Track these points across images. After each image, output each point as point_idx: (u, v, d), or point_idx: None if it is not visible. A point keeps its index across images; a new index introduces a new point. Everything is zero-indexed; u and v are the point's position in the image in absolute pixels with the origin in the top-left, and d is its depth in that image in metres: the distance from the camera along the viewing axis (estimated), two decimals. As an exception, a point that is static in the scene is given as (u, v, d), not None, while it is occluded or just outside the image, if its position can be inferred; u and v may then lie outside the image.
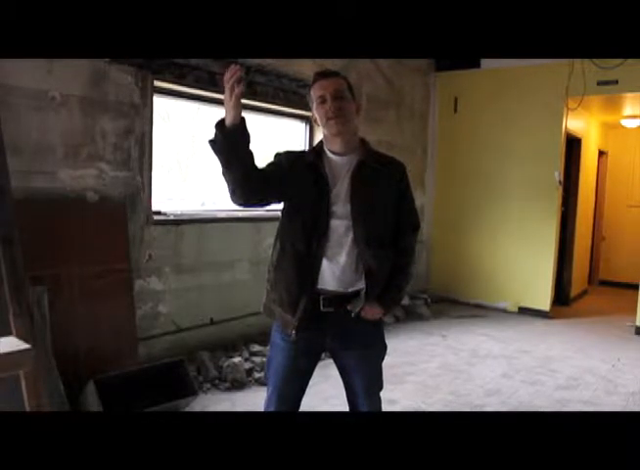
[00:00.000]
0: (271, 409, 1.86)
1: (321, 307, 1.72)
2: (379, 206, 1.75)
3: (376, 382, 1.88)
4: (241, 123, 1.60)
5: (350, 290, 1.73)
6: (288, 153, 1.83)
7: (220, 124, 1.60)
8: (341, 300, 1.73)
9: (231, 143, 1.60)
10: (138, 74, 3.23)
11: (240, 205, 1.74)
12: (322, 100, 1.71)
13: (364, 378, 1.84)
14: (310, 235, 1.70)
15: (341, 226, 1.71)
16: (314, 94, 1.74)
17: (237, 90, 1.54)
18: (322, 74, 1.75)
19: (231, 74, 1.53)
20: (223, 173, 1.67)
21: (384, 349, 1.90)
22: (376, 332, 1.86)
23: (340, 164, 1.76)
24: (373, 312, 1.77)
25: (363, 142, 1.83)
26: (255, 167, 1.67)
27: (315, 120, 1.79)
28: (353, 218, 1.71)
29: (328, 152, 1.78)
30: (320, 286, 1.72)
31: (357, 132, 1.81)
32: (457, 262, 5.99)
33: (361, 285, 1.74)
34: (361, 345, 1.80)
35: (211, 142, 1.64)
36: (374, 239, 1.72)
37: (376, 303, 1.77)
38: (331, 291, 1.73)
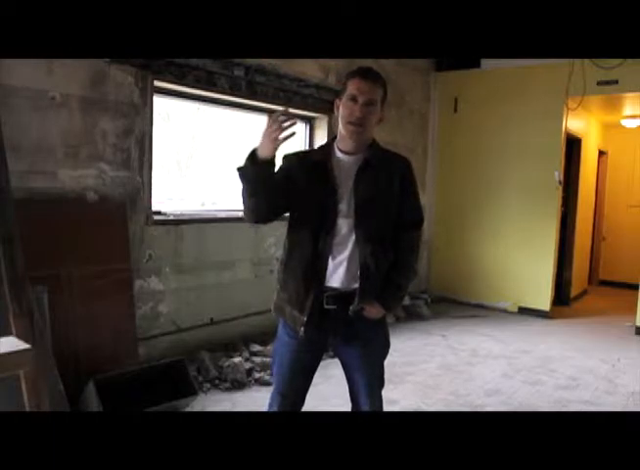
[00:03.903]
0: (275, 404, 1.89)
1: (324, 305, 1.74)
2: (381, 204, 1.76)
3: (378, 379, 1.89)
4: (274, 158, 1.64)
5: (352, 287, 1.74)
6: (295, 154, 1.87)
7: (253, 155, 1.63)
8: (343, 297, 1.74)
9: (262, 175, 1.64)
10: (138, 74, 3.23)
11: (254, 223, 1.85)
12: (353, 99, 1.70)
13: (366, 375, 1.85)
14: (318, 234, 1.72)
15: (345, 225, 1.73)
16: (348, 89, 1.71)
17: (287, 133, 1.58)
18: (364, 74, 1.72)
19: (287, 119, 1.57)
20: (245, 198, 1.71)
21: (387, 346, 1.91)
22: (379, 330, 1.87)
23: (347, 163, 1.77)
24: (374, 311, 1.78)
25: (372, 141, 1.82)
26: (277, 194, 1.71)
27: (337, 108, 1.77)
28: (355, 217, 1.72)
29: (337, 151, 1.79)
30: (326, 284, 1.74)
31: (371, 137, 1.81)
32: (457, 262, 5.99)
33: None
34: (364, 342, 1.81)
35: (240, 170, 1.67)
36: (375, 237, 1.73)
37: (377, 301, 1.77)
38: (334, 288, 1.75)
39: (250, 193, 1.68)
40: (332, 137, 1.86)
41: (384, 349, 1.90)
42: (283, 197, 1.74)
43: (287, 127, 1.57)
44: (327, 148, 1.82)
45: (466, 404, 3.25)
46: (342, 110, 1.74)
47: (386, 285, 1.79)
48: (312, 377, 1.90)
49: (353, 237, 1.72)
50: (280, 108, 4.26)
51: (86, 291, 2.86)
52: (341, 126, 1.76)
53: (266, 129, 1.59)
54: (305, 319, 1.73)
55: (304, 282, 1.74)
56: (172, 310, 3.52)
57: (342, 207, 1.73)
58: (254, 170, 1.63)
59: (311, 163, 1.77)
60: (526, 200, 5.52)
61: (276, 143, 1.58)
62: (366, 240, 1.72)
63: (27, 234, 1.80)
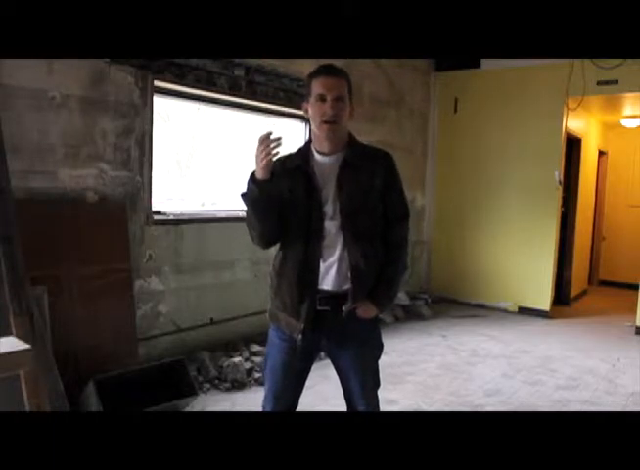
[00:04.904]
0: (268, 407, 1.87)
1: (317, 307, 1.73)
2: (365, 202, 1.75)
3: (371, 380, 1.88)
4: (272, 178, 1.64)
5: (344, 288, 1.74)
6: (277, 161, 1.76)
7: (253, 178, 1.64)
8: (335, 299, 1.74)
9: (265, 195, 1.65)
10: (138, 74, 3.23)
11: (266, 247, 1.85)
12: (321, 99, 1.68)
13: (360, 376, 1.84)
14: (307, 239, 1.72)
15: (333, 227, 1.72)
16: (314, 89, 1.70)
17: (268, 158, 1.58)
18: (327, 71, 1.70)
19: (271, 142, 1.56)
20: (253, 225, 1.73)
21: (380, 347, 1.90)
22: (371, 330, 1.86)
23: (327, 164, 1.76)
24: (367, 311, 1.77)
25: (350, 138, 1.81)
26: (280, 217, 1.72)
27: (306, 111, 1.76)
28: (341, 218, 1.71)
29: (315, 152, 1.77)
30: (318, 287, 1.74)
31: (347, 133, 1.79)
32: (457, 262, 5.99)
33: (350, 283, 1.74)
34: (356, 343, 1.81)
35: (244, 195, 1.68)
36: (363, 236, 1.73)
37: (369, 301, 1.77)
38: (326, 290, 1.74)
39: (258, 218, 1.69)
40: (308, 139, 1.83)
41: (377, 349, 1.89)
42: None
43: (273, 148, 1.57)
44: (305, 151, 1.80)
45: (466, 404, 3.25)
46: (312, 111, 1.72)
47: (377, 283, 1.78)
48: (306, 379, 1.89)
49: (341, 238, 1.72)
50: (280, 108, 4.31)
51: (86, 291, 2.86)
52: (314, 128, 1.74)
53: (256, 152, 1.59)
54: (302, 326, 1.72)
55: (298, 288, 1.73)
56: (172, 310, 3.52)
57: (328, 209, 1.72)
58: (257, 193, 1.63)
59: (292, 168, 1.75)
60: (526, 200, 5.52)
61: (264, 164, 1.58)
62: (354, 240, 1.71)
63: (28, 234, 1.80)
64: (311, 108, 1.72)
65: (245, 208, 1.72)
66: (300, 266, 1.72)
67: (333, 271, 1.73)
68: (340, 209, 1.71)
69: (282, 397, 1.86)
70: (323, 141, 1.74)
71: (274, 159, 1.60)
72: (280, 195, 1.71)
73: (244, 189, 1.68)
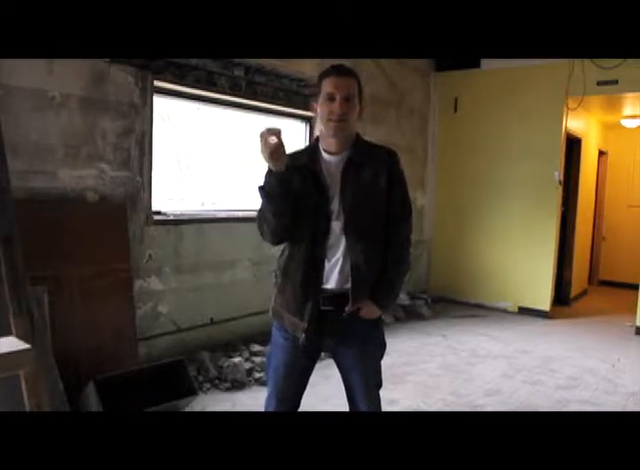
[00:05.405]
0: (271, 407, 1.87)
1: (321, 307, 1.73)
2: (368, 200, 1.74)
3: (374, 379, 1.88)
4: (287, 171, 1.63)
5: (346, 288, 1.74)
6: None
7: (270, 172, 1.63)
8: (339, 298, 1.74)
9: (282, 188, 1.63)
10: (138, 74, 3.23)
11: (277, 244, 1.81)
12: (330, 98, 1.69)
13: (362, 375, 1.84)
14: (313, 238, 1.72)
15: (337, 226, 1.73)
16: (324, 89, 1.71)
17: (272, 145, 1.56)
18: (338, 71, 1.71)
19: (271, 134, 1.56)
20: (267, 220, 1.70)
21: (382, 347, 1.90)
22: (374, 330, 1.86)
23: (334, 163, 1.76)
24: (370, 312, 1.77)
25: (357, 137, 1.81)
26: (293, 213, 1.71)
27: (315, 111, 1.77)
28: (344, 216, 1.71)
29: (323, 152, 1.78)
30: (323, 286, 1.74)
31: (354, 132, 1.79)
32: (457, 263, 5.99)
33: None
34: (359, 343, 1.81)
35: (262, 189, 1.66)
36: (364, 236, 1.72)
37: (371, 300, 1.77)
38: (330, 290, 1.74)
39: (273, 212, 1.66)
40: (315, 138, 1.84)
41: (380, 349, 1.89)
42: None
43: (272, 141, 1.55)
44: (313, 150, 1.80)
45: (466, 404, 3.25)
46: (320, 111, 1.73)
47: (379, 283, 1.78)
48: (308, 379, 1.90)
49: (344, 237, 1.72)
50: (280, 108, 4.30)
51: (86, 291, 2.86)
52: (322, 127, 1.75)
53: (260, 148, 1.59)
54: (306, 325, 1.72)
55: (302, 288, 1.73)
56: (172, 310, 3.52)
57: (334, 209, 1.72)
58: (274, 184, 1.62)
59: (300, 166, 1.74)
60: (526, 200, 5.52)
61: (271, 152, 1.57)
62: (356, 240, 1.71)
63: (28, 234, 1.80)
64: (320, 107, 1.73)
65: (260, 203, 1.71)
66: (305, 266, 1.73)
67: (336, 271, 1.73)
68: (342, 209, 1.71)
69: (284, 396, 1.86)
70: (331, 140, 1.74)
71: (277, 150, 1.57)
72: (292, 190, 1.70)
73: (261, 183, 1.68)
